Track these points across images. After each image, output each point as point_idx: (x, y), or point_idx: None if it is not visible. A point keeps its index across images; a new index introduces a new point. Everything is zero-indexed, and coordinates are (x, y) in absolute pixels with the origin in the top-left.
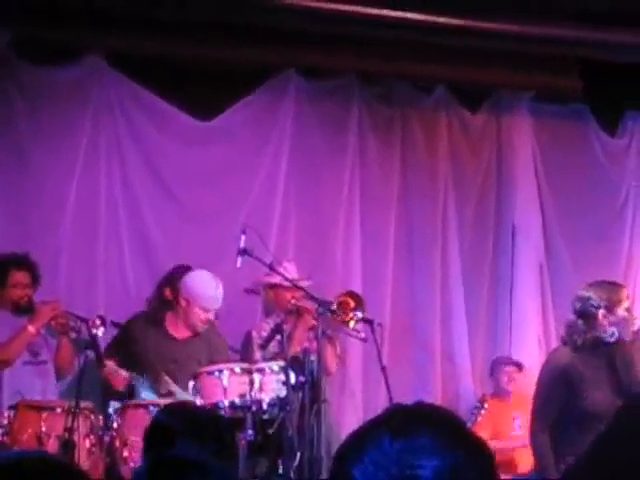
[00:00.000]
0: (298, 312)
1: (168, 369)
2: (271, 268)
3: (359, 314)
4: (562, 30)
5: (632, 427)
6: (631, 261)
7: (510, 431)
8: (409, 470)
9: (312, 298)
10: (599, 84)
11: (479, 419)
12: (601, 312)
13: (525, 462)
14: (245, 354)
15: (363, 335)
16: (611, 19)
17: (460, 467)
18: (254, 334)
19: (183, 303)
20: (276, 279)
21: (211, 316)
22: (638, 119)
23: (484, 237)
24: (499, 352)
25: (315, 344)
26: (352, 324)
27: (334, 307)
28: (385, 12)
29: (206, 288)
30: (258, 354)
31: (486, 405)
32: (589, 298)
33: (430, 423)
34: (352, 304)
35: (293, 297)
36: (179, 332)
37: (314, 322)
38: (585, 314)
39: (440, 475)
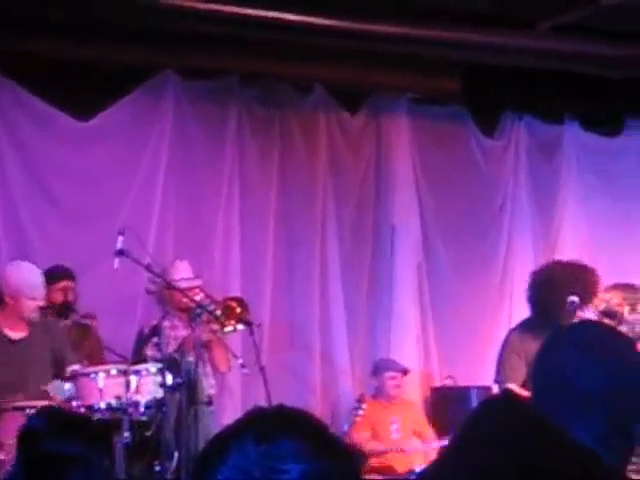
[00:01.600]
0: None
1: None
2: (148, 269)
3: (239, 326)
4: (441, 32)
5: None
6: (509, 261)
7: (388, 434)
8: (272, 474)
9: (197, 299)
10: (477, 86)
11: (357, 419)
12: (626, 309)
13: (401, 466)
14: (136, 351)
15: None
16: (490, 21)
17: (324, 472)
18: (146, 331)
19: (9, 300)
20: (175, 277)
21: (40, 303)
22: (516, 120)
23: (363, 238)
24: (378, 352)
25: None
26: (228, 329)
27: (218, 310)
28: (264, 13)
29: (27, 277)
30: (149, 351)
31: (364, 405)
32: (611, 298)
33: (292, 427)
34: (237, 310)
35: (185, 297)
36: (16, 330)
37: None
38: (610, 313)
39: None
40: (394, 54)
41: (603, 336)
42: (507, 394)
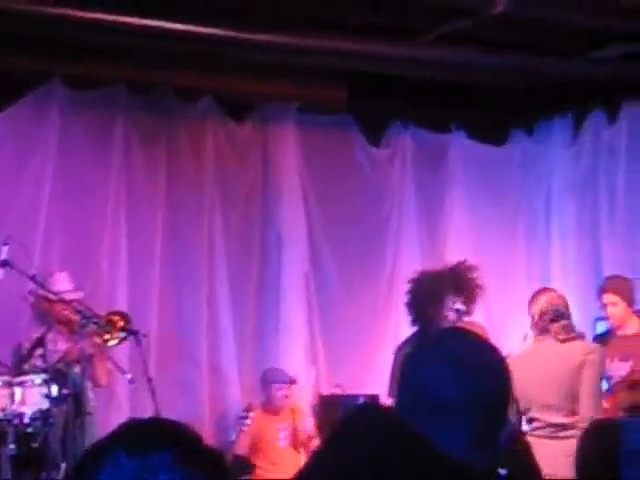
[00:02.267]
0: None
1: None
2: (33, 280)
3: (122, 337)
4: (327, 42)
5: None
6: (396, 269)
7: (275, 443)
8: None
9: (79, 311)
10: (364, 95)
11: (245, 428)
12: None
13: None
14: (16, 365)
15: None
16: (377, 31)
17: None
18: (26, 345)
19: None
20: (54, 289)
21: None
22: (402, 129)
23: (251, 247)
24: (267, 361)
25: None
26: (111, 342)
27: (103, 323)
28: (151, 22)
29: None
30: (36, 362)
31: (252, 414)
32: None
33: (165, 439)
34: (120, 323)
35: (64, 309)
36: None
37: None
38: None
39: None
40: (281, 63)
41: (466, 345)
42: (373, 403)
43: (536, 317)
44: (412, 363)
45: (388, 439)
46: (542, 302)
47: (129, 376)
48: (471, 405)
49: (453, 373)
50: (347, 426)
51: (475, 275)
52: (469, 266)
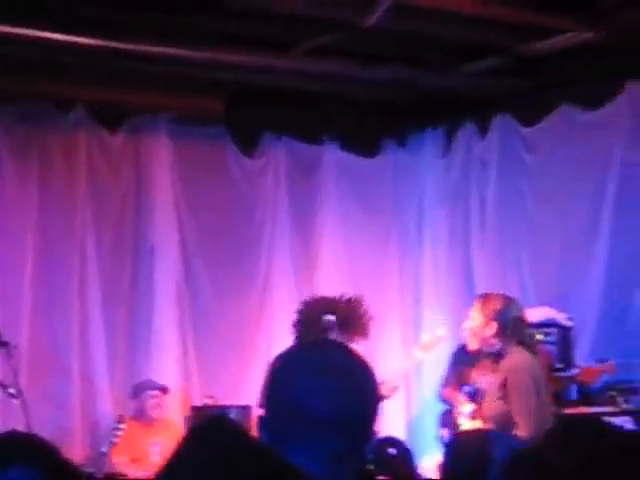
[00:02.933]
0: None
1: None
2: None
3: None
4: (201, 52)
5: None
6: (269, 280)
7: (149, 456)
8: None
9: None
10: (238, 106)
11: (116, 440)
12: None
13: None
14: None
15: None
16: (251, 42)
17: None
18: None
19: None
20: None
21: None
22: (275, 141)
23: (123, 259)
24: (139, 373)
25: None
26: None
27: None
28: (21, 31)
29: None
30: None
31: (122, 426)
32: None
33: (23, 453)
34: None
35: None
36: None
37: None
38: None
39: None
40: (156, 74)
41: (332, 356)
42: (220, 415)
43: (510, 325)
44: (278, 374)
45: (229, 453)
46: (514, 309)
47: (11, 390)
48: (340, 419)
49: (318, 384)
50: (191, 439)
51: (366, 313)
52: (360, 305)
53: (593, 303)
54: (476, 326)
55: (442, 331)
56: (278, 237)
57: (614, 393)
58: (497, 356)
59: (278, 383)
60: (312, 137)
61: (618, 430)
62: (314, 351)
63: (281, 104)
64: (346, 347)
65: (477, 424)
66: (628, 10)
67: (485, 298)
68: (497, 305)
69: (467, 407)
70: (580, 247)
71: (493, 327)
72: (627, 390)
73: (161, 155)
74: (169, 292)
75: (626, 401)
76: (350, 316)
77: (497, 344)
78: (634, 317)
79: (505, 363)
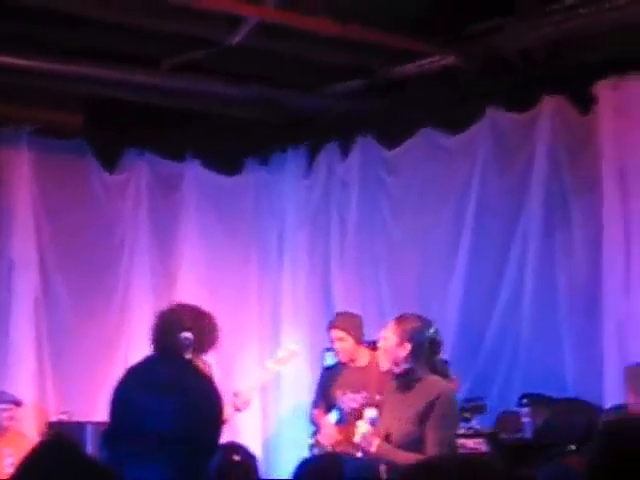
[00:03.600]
0: None
1: None
2: None
3: None
4: (63, 65)
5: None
6: (127, 296)
7: (2, 469)
8: None
9: None
10: (100, 120)
11: None
12: None
13: None
14: None
15: None
16: (114, 57)
17: None
18: None
19: None
20: None
21: None
22: (137, 156)
23: None
24: None
25: None
26: None
27: None
28: None
29: None
30: None
31: None
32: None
33: None
34: None
35: None
36: None
37: None
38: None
39: None
40: (15, 86)
41: (172, 373)
42: (59, 437)
43: (425, 347)
44: (119, 391)
45: (63, 473)
46: (430, 332)
47: None
48: (181, 435)
49: (156, 401)
50: (31, 459)
51: (217, 328)
52: (212, 320)
53: (451, 322)
54: (389, 346)
55: (295, 346)
56: (138, 254)
57: (468, 414)
58: (405, 378)
59: (118, 400)
60: (175, 154)
61: None
62: (155, 368)
63: (144, 120)
64: (188, 364)
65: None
66: (490, 37)
67: (401, 318)
68: (412, 326)
69: (363, 427)
70: (439, 267)
71: (407, 348)
72: (480, 409)
73: (21, 168)
74: (27, 307)
75: (479, 422)
76: (202, 329)
77: (408, 365)
78: (489, 338)
79: (428, 390)
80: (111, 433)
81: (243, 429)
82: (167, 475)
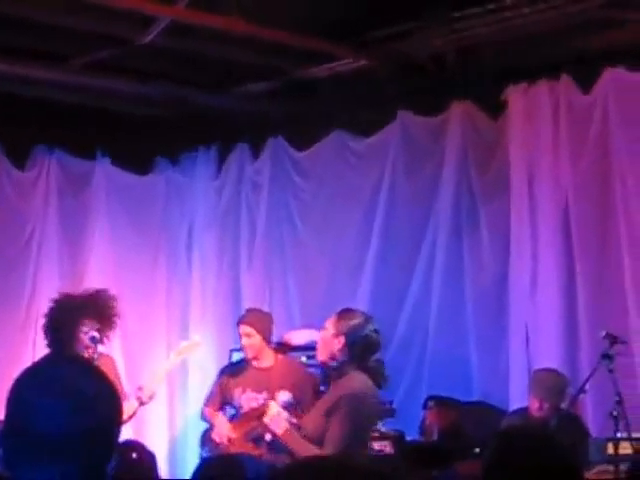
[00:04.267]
0: None
1: None
2: None
3: None
4: None
5: None
6: (35, 293)
7: None
8: None
9: None
10: (9, 117)
11: None
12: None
13: None
14: None
15: None
16: (24, 54)
17: None
18: None
19: None
20: None
21: None
22: (47, 154)
23: None
24: None
25: None
26: None
27: None
28: None
29: None
30: None
31: None
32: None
33: None
34: None
35: None
36: None
37: None
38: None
39: None
40: None
41: (63, 374)
42: None
43: (358, 344)
44: (12, 393)
45: None
46: (368, 330)
47: None
48: (77, 438)
49: (46, 404)
50: None
51: (114, 304)
52: (108, 295)
53: None
54: (327, 337)
55: (197, 337)
56: (45, 252)
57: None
58: (334, 372)
59: (11, 402)
60: (85, 152)
61: None
62: (51, 368)
63: (55, 118)
64: (85, 364)
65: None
66: (401, 41)
67: (342, 312)
68: (351, 321)
69: (274, 409)
70: (348, 270)
71: (340, 341)
72: (389, 412)
73: None
74: None
75: (389, 424)
76: (99, 307)
77: (339, 360)
78: (397, 342)
79: (343, 385)
80: (5, 433)
81: (149, 427)
82: (64, 477)
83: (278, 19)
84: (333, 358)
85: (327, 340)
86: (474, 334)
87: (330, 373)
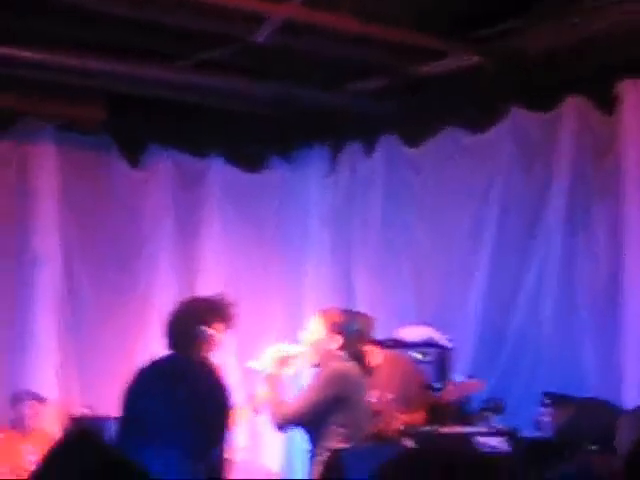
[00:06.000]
0: None
1: None
2: None
3: None
4: (86, 61)
5: None
6: (150, 290)
7: (25, 466)
8: None
9: None
10: (124, 116)
11: None
12: None
13: None
14: None
15: None
16: (137, 53)
17: None
18: None
19: None
20: None
21: None
22: (161, 152)
23: (7, 267)
24: (17, 383)
25: None
26: None
27: None
28: None
29: None
30: None
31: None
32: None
33: None
34: None
35: None
36: None
37: None
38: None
39: None
40: (40, 81)
41: (178, 366)
42: (84, 430)
43: (353, 339)
44: (131, 385)
45: (88, 466)
46: (357, 323)
47: None
48: (182, 424)
49: (164, 393)
50: (54, 453)
51: (237, 308)
52: (232, 299)
53: (473, 321)
54: (319, 339)
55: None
56: (160, 249)
57: (489, 411)
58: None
59: (130, 394)
60: (198, 150)
61: None
62: (163, 363)
63: (168, 116)
64: (203, 364)
65: None
66: (511, 38)
67: (326, 312)
68: (340, 319)
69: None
70: (461, 267)
71: (338, 340)
72: (498, 409)
73: (46, 162)
74: (50, 301)
75: (500, 420)
76: (225, 311)
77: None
78: (511, 338)
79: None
80: (123, 426)
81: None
82: (173, 462)
83: (390, 16)
84: (330, 357)
85: (321, 343)
86: (588, 330)
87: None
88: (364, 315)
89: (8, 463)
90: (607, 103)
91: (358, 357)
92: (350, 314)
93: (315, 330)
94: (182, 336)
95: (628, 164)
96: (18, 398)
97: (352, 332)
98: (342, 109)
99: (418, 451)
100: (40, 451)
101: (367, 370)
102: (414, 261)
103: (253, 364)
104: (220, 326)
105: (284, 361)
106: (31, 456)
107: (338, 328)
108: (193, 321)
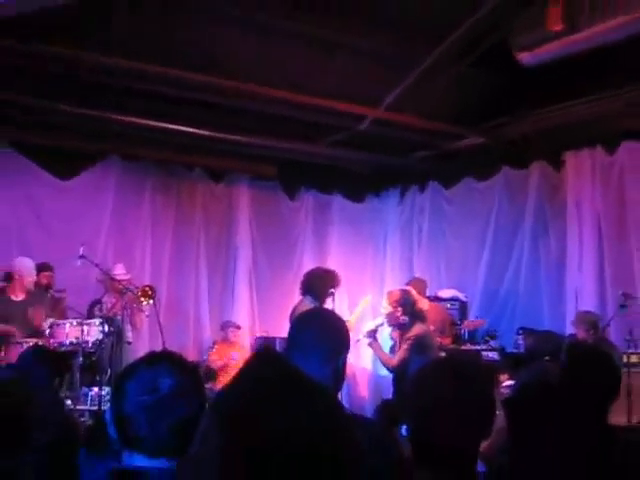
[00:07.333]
0: (121, 292)
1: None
2: (98, 267)
3: (151, 301)
4: (265, 140)
5: None
6: (299, 272)
7: (231, 362)
8: (154, 384)
9: (126, 286)
10: (288, 172)
11: (211, 352)
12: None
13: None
14: (88, 312)
15: (147, 313)
16: (293, 133)
17: (184, 384)
18: (94, 302)
19: (17, 277)
20: (115, 273)
21: (32, 280)
22: (306, 191)
23: (220, 254)
24: (225, 315)
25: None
26: (145, 303)
27: (139, 292)
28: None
29: (28, 266)
30: (97, 312)
31: (216, 346)
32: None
33: (166, 359)
34: (150, 292)
35: (120, 283)
36: (18, 295)
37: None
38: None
39: (172, 388)
40: (239, 152)
41: (324, 316)
42: (268, 347)
43: (409, 308)
44: (294, 321)
45: (278, 378)
46: (410, 299)
47: (147, 313)
48: (324, 344)
49: (318, 327)
50: (252, 360)
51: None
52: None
53: (479, 288)
54: (389, 312)
55: (369, 297)
56: (305, 248)
57: (488, 337)
58: (404, 326)
59: (292, 327)
60: (327, 190)
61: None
62: (313, 312)
63: (311, 171)
64: (334, 315)
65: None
66: (504, 127)
67: (389, 294)
68: (397, 297)
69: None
70: (473, 258)
71: (399, 310)
72: (494, 336)
73: (243, 199)
74: (245, 272)
75: (494, 343)
76: (336, 277)
77: (405, 320)
78: (501, 296)
79: (413, 331)
80: (287, 345)
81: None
82: (327, 374)
83: (434, 112)
84: (397, 322)
85: (391, 313)
86: (545, 292)
87: (403, 327)
88: (419, 280)
89: (222, 361)
90: (558, 165)
91: (415, 314)
92: (404, 291)
93: (385, 306)
94: (315, 287)
95: (569, 202)
96: (225, 325)
97: (407, 303)
98: (407, 167)
99: (446, 358)
100: (239, 355)
101: (422, 316)
102: (446, 254)
103: (353, 318)
104: (336, 288)
105: (373, 330)
106: (234, 357)
107: (396, 304)
108: (324, 281)
